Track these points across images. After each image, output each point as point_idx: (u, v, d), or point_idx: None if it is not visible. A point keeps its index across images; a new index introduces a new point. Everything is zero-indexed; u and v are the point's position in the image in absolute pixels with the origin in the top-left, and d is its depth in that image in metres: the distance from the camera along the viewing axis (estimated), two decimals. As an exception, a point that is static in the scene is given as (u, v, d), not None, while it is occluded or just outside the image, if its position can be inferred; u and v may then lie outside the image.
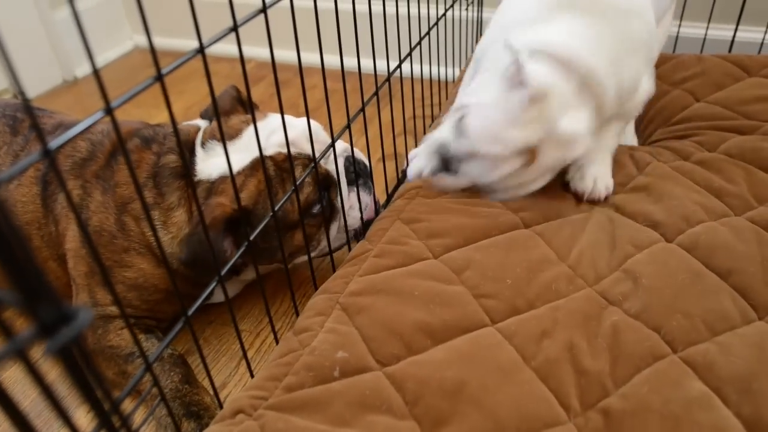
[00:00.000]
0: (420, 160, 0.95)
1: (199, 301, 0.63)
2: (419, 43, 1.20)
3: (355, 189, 1.02)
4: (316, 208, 0.97)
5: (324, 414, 0.64)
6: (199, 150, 0.98)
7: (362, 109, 0.96)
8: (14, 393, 0.89)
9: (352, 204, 1.03)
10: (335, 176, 1.00)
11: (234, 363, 1.00)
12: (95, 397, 0.32)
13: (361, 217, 1.05)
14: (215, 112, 0.60)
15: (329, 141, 0.94)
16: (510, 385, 0.66)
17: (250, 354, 1.02)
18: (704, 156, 1.05)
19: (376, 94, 1.02)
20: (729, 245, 0.83)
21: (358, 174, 1.03)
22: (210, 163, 0.96)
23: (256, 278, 0.79)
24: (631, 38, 0.94)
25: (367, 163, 1.08)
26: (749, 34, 1.53)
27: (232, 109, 1.06)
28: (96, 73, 0.42)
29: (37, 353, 0.88)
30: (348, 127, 0.93)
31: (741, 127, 1.12)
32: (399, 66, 1.10)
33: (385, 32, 1.02)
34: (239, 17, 0.61)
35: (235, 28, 0.59)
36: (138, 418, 0.91)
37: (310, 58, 0.82)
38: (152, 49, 0.49)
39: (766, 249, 0.82)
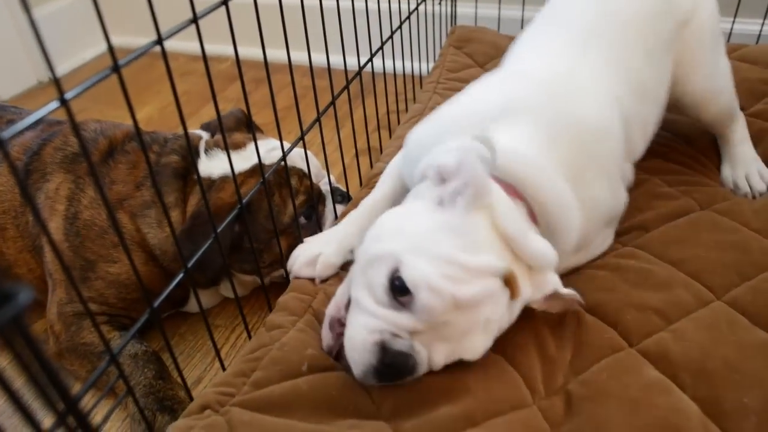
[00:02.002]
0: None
1: (165, 293, 0.64)
2: (390, 37, 1.21)
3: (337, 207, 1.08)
4: (303, 220, 1.01)
5: (291, 415, 0.65)
6: (202, 155, 1.02)
7: (332, 102, 0.97)
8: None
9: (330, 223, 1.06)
10: (324, 194, 1.06)
11: (209, 358, 1.01)
12: (42, 381, 0.32)
13: None
14: (217, 115, 0.62)
15: (320, 169, 1.00)
16: (477, 370, 0.66)
17: (225, 349, 1.02)
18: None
19: (346, 87, 1.03)
20: (681, 237, 0.84)
21: (343, 196, 1.09)
22: (212, 165, 1.00)
23: (233, 292, 0.81)
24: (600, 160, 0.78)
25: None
26: (746, 26, 1.55)
27: (236, 128, 1.10)
28: (48, 61, 0.43)
29: (3, 360, 0.86)
30: (318, 120, 0.94)
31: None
32: (370, 60, 1.11)
33: (355, 28, 1.02)
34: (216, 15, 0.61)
35: (195, 20, 0.60)
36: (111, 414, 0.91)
37: (284, 55, 0.83)
38: (107, 39, 0.49)
39: (720, 235, 0.84)
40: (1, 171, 1.04)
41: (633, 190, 0.96)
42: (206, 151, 1.03)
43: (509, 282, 0.62)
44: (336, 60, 0.97)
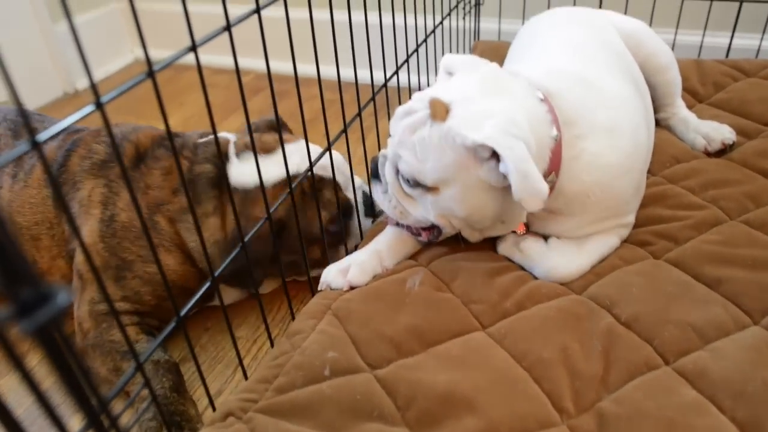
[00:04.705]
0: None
1: (192, 301, 0.63)
2: (416, 50, 1.20)
3: (369, 221, 1.07)
4: (333, 228, 1.02)
5: (314, 419, 0.64)
6: (233, 159, 1.03)
7: (359, 114, 0.96)
8: (9, 401, 0.89)
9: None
10: (353, 205, 1.06)
11: (230, 370, 1.00)
12: (76, 383, 0.31)
13: None
14: (247, 120, 0.61)
15: (349, 173, 1.02)
16: (502, 384, 0.65)
17: (246, 361, 1.01)
18: (702, 163, 1.04)
19: (372, 99, 1.02)
20: (717, 254, 0.82)
21: (374, 211, 1.08)
22: (245, 173, 1.01)
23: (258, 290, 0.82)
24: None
25: None
26: (746, 41, 1.53)
27: (266, 130, 1.12)
28: (86, 64, 0.43)
29: (33, 360, 0.86)
30: (344, 131, 0.93)
31: (744, 127, 1.12)
32: (395, 73, 1.10)
33: (382, 41, 1.02)
34: (240, 29, 0.61)
35: (228, 28, 0.60)
36: (123, 419, 0.90)
37: (310, 69, 0.83)
38: (144, 46, 0.49)
39: (757, 250, 0.81)
40: (29, 183, 1.05)
41: (657, 200, 0.95)
42: (238, 155, 1.03)
43: (433, 105, 0.76)
44: (359, 75, 0.97)
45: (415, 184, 0.79)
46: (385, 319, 0.76)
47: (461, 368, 0.68)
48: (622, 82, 0.91)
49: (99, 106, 0.45)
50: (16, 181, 1.06)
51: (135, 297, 0.99)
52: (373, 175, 0.88)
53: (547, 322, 0.73)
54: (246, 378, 0.81)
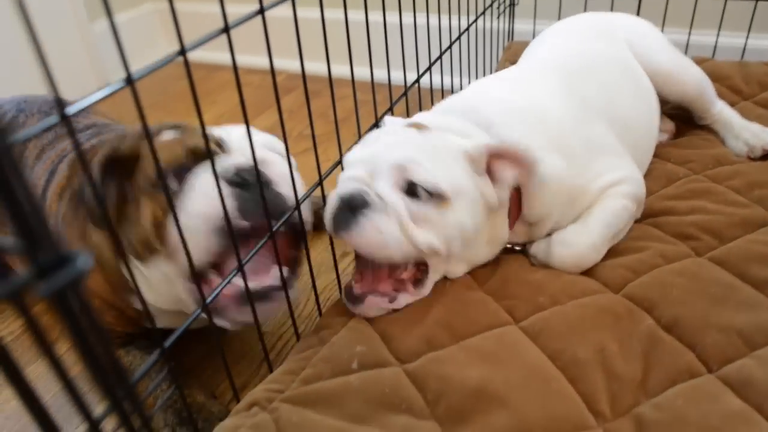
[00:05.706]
0: None
1: (218, 289, 0.62)
2: (449, 48, 1.19)
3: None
4: (175, 184, 0.75)
5: (340, 410, 0.62)
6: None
7: (390, 109, 0.95)
8: (37, 387, 0.89)
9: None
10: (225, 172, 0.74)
11: (255, 364, 0.99)
12: (95, 356, 0.30)
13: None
14: (280, 117, 0.59)
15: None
16: (536, 382, 0.63)
17: (271, 356, 1.00)
18: (745, 166, 1.00)
19: (404, 95, 1.01)
20: (765, 255, 0.78)
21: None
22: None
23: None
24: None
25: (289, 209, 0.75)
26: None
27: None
28: (115, 32, 0.42)
29: (61, 348, 0.85)
30: (376, 124, 0.92)
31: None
32: (427, 70, 1.09)
33: (416, 41, 1.01)
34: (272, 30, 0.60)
35: (261, 11, 0.59)
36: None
37: (339, 69, 0.81)
38: (177, 26, 0.48)
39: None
40: (47, 162, 0.99)
41: (701, 195, 0.92)
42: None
43: (414, 125, 0.80)
44: (391, 75, 0.96)
45: (429, 196, 0.71)
46: (415, 317, 0.74)
47: (493, 363, 0.66)
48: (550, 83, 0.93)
49: (130, 82, 0.45)
50: (38, 161, 1.02)
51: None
52: (359, 205, 0.71)
53: (584, 321, 0.70)
54: (271, 371, 0.80)
